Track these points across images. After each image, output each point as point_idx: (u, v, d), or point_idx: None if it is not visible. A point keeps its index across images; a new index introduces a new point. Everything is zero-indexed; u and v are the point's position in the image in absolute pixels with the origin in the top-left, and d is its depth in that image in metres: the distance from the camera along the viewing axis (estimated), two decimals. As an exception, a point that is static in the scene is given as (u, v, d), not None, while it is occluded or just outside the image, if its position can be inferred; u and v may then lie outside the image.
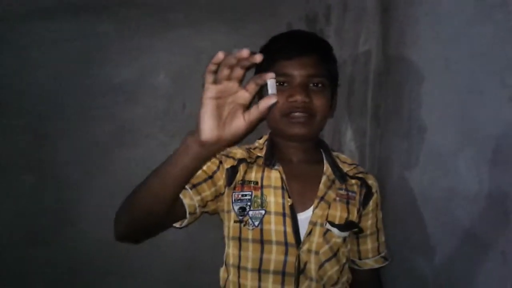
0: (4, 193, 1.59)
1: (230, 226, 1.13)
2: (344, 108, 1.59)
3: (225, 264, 1.16)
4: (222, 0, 1.61)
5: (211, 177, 1.12)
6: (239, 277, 1.11)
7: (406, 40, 1.35)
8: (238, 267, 1.11)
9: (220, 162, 1.16)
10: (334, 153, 1.25)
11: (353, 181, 1.19)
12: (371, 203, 1.20)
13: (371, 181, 1.22)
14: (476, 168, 1.07)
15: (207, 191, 1.11)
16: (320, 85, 1.11)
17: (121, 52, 1.62)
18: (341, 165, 1.21)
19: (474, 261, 1.09)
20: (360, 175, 1.21)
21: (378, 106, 1.51)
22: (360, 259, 1.21)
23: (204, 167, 1.12)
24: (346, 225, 1.14)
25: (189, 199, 1.06)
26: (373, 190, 1.21)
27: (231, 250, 1.13)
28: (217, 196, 1.14)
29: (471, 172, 1.08)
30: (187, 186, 1.06)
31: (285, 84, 1.10)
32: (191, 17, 1.64)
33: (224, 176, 1.14)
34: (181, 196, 1.04)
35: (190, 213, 1.07)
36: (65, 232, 1.65)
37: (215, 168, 1.14)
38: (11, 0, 1.47)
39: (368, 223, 1.20)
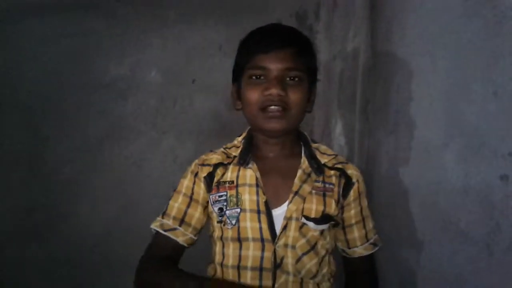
0: (-3, 190, 1.60)
1: (214, 226, 1.16)
2: (333, 103, 1.61)
3: (212, 262, 1.18)
4: (213, -3, 1.62)
5: (191, 197, 1.17)
6: (222, 274, 1.13)
7: (394, 36, 1.36)
8: (221, 265, 1.14)
9: (196, 175, 1.18)
10: (315, 145, 1.23)
11: (332, 172, 1.17)
12: (351, 193, 1.17)
13: (350, 170, 1.19)
14: (462, 162, 1.09)
15: (196, 214, 1.16)
16: (296, 79, 1.09)
17: (113, 49, 1.63)
18: (320, 157, 1.19)
19: (461, 254, 1.11)
20: (339, 166, 1.18)
21: (367, 101, 1.53)
22: (349, 248, 1.21)
23: (183, 188, 1.18)
24: (322, 218, 1.12)
25: (182, 236, 1.14)
26: (353, 179, 1.18)
27: (216, 248, 1.16)
28: (205, 207, 1.18)
29: (458, 165, 1.10)
30: (175, 225, 1.14)
31: (262, 78, 1.09)
32: (183, 14, 1.65)
33: (202, 185, 1.17)
34: (173, 237, 1.13)
35: (189, 244, 1.17)
36: (59, 227, 1.66)
37: (191, 184, 1.18)
38: (1, -2, 1.47)
39: (351, 212, 1.19)
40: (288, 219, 1.10)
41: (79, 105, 1.63)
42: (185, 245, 1.15)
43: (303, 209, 1.11)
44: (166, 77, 1.68)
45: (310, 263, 1.11)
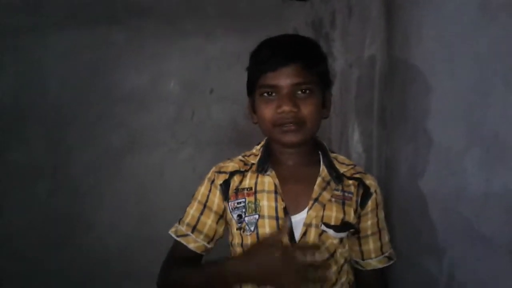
0: (20, 199, 1.63)
1: (233, 233, 1.16)
2: (351, 111, 1.61)
3: None
4: (231, 9, 1.64)
5: (205, 205, 1.18)
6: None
7: (411, 43, 1.36)
8: None
9: (212, 182, 1.18)
10: (333, 155, 1.22)
11: (350, 181, 1.16)
12: (369, 203, 1.16)
13: (369, 181, 1.18)
14: (483, 168, 1.08)
15: (208, 222, 1.17)
16: (308, 91, 1.08)
17: (132, 61, 1.66)
18: (338, 166, 1.18)
19: (482, 261, 1.10)
20: (357, 176, 1.18)
21: (384, 108, 1.53)
22: (363, 259, 1.19)
23: (199, 195, 1.19)
24: (342, 226, 1.12)
25: (193, 242, 1.16)
26: (371, 190, 1.17)
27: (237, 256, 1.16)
28: (221, 216, 1.19)
29: (478, 172, 1.09)
30: (187, 231, 1.17)
31: (273, 95, 1.09)
32: (201, 26, 1.68)
33: (218, 193, 1.17)
34: (184, 243, 1.16)
35: (202, 251, 1.17)
36: (80, 237, 1.68)
37: (207, 192, 1.19)
38: (24, 14, 1.51)
39: (368, 223, 1.16)
40: (307, 225, 1.10)
41: (100, 117, 1.66)
42: (198, 251, 1.16)
43: (323, 216, 1.10)
44: (184, 88, 1.71)
45: (329, 271, 1.11)
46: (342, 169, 1.18)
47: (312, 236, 1.09)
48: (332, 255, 1.12)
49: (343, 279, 1.15)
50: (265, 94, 1.09)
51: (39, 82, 1.62)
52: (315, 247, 1.02)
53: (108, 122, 1.67)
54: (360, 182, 1.17)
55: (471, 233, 1.12)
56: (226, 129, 1.75)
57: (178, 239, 1.18)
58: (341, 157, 1.24)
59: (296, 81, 1.06)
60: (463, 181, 1.14)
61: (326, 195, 1.13)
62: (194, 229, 1.17)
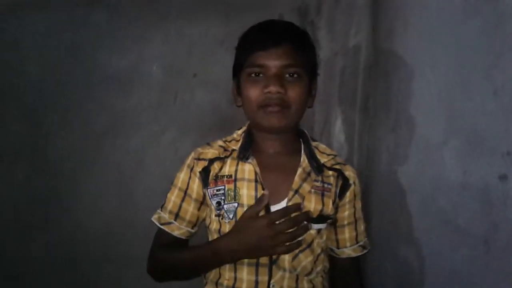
0: (0, 182, 1.60)
1: (212, 219, 1.16)
2: (334, 99, 1.61)
3: None
4: (214, -8, 1.62)
5: (185, 192, 1.19)
6: (219, 268, 1.14)
7: (395, 33, 1.37)
8: None
9: (192, 169, 1.19)
10: (314, 143, 1.22)
11: (330, 172, 1.17)
12: (348, 194, 1.18)
13: (348, 172, 1.19)
14: (461, 160, 1.10)
15: (190, 209, 1.18)
16: (296, 75, 1.08)
17: (114, 43, 1.63)
18: (319, 156, 1.18)
19: (459, 251, 1.12)
20: (337, 167, 1.19)
21: (367, 98, 1.54)
22: (338, 248, 1.21)
23: (179, 182, 1.20)
24: (320, 218, 1.13)
25: (177, 230, 1.18)
26: (350, 181, 1.18)
27: None
28: (201, 203, 1.19)
29: (457, 163, 1.11)
30: (171, 219, 1.18)
31: (261, 75, 1.08)
32: (184, 9, 1.65)
33: (197, 181, 1.17)
34: (168, 231, 1.18)
35: (187, 237, 1.20)
36: (60, 221, 1.67)
37: (187, 178, 1.19)
38: (2, -9, 1.47)
39: (345, 213, 1.19)
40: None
41: (80, 100, 1.64)
42: (183, 237, 1.18)
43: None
44: (167, 72, 1.69)
45: (305, 260, 1.12)
46: (323, 159, 1.18)
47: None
48: (309, 245, 1.13)
49: (319, 267, 1.16)
50: (253, 75, 1.09)
51: (17, 63, 1.59)
52: (294, 207, 1.06)
53: (88, 105, 1.64)
54: (340, 173, 1.18)
55: (448, 223, 1.14)
56: (209, 114, 1.74)
57: (162, 227, 1.19)
58: (322, 146, 1.24)
59: (285, 62, 1.06)
60: (441, 172, 1.15)
61: (306, 186, 1.13)
62: (177, 216, 1.18)
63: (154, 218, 1.21)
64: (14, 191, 1.62)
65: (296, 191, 1.11)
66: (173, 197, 1.20)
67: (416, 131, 1.26)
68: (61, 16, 1.58)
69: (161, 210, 1.21)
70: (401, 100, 1.33)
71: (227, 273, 1.12)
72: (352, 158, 1.57)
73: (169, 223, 1.18)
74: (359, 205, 1.22)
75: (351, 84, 1.57)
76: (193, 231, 1.20)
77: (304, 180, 1.14)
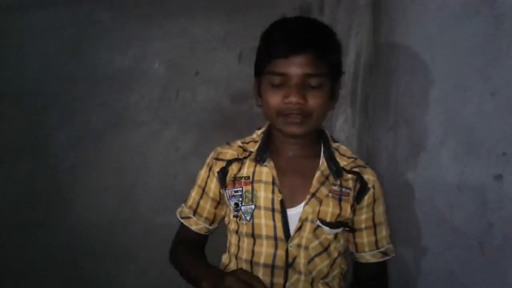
0: (1, 179, 1.62)
1: (230, 219, 1.18)
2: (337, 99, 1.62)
3: (228, 252, 1.21)
4: (217, -9, 1.63)
5: (203, 190, 1.21)
6: (237, 266, 1.15)
7: (396, 33, 1.37)
8: (236, 257, 1.17)
9: (210, 168, 1.20)
10: (335, 145, 1.19)
11: (349, 175, 1.14)
12: (366, 197, 1.14)
13: (367, 176, 1.15)
14: (458, 161, 1.10)
15: (206, 207, 1.21)
16: (317, 83, 1.03)
17: (116, 40, 1.64)
18: (339, 159, 1.15)
19: (454, 251, 1.12)
20: (356, 170, 1.15)
21: (367, 97, 1.54)
22: (357, 252, 1.18)
23: (199, 179, 1.23)
24: (337, 223, 1.12)
25: (195, 224, 1.23)
26: (369, 185, 1.14)
27: (232, 239, 1.19)
28: (218, 202, 1.22)
29: (454, 164, 1.12)
30: (189, 214, 1.23)
31: (282, 82, 1.04)
32: (187, 6, 1.66)
33: (215, 180, 1.19)
34: (187, 224, 1.23)
35: (205, 232, 1.24)
36: (62, 217, 1.68)
37: (205, 177, 1.22)
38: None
39: (362, 217, 1.15)
40: (303, 220, 1.09)
41: (82, 96, 1.65)
42: (201, 232, 1.23)
43: (319, 211, 1.10)
44: (169, 69, 1.69)
45: (321, 264, 1.12)
46: (343, 162, 1.16)
47: (307, 230, 1.10)
48: (326, 249, 1.12)
49: (335, 271, 1.15)
50: (273, 81, 1.05)
51: (19, 61, 1.60)
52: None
53: (90, 102, 1.65)
54: (358, 177, 1.15)
55: (444, 223, 1.15)
56: (210, 112, 1.74)
57: (181, 220, 1.25)
58: (343, 148, 1.21)
59: (307, 71, 1.01)
60: (439, 173, 1.16)
61: (324, 190, 1.11)
62: (195, 212, 1.23)
63: (177, 211, 1.27)
64: (15, 187, 1.64)
65: (313, 195, 1.10)
66: (194, 193, 1.24)
67: (414, 132, 1.27)
68: (63, 13, 1.59)
69: (184, 204, 1.26)
70: (400, 100, 1.34)
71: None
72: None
73: (188, 217, 1.23)
74: (379, 209, 1.17)
75: (351, 84, 1.58)
76: (211, 227, 1.24)
77: (322, 183, 1.12)
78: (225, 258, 1.22)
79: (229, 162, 1.18)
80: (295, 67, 1.01)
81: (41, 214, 1.66)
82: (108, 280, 1.77)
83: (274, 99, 1.05)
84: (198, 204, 1.22)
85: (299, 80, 1.02)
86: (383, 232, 1.18)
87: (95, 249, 1.72)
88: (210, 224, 1.23)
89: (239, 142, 1.22)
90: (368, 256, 1.17)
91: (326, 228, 1.11)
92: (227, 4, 1.67)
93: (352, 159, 1.18)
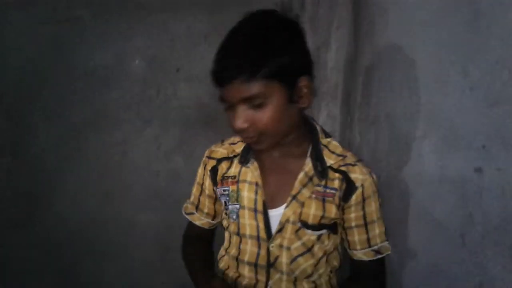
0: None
1: (223, 216, 1.23)
2: (317, 94, 1.63)
3: (223, 245, 1.26)
4: (197, -14, 1.61)
5: (202, 187, 1.26)
6: (228, 260, 1.21)
7: (376, 29, 1.38)
8: (226, 252, 1.22)
9: (205, 166, 1.23)
10: (326, 140, 1.14)
11: (336, 174, 1.11)
12: (353, 197, 1.11)
13: (355, 174, 1.11)
14: (439, 154, 1.12)
15: (206, 203, 1.27)
16: (259, 103, 0.97)
17: (97, 37, 1.62)
18: (327, 157, 1.11)
19: (436, 243, 1.14)
20: (343, 168, 1.11)
21: (349, 93, 1.55)
22: (350, 249, 1.18)
23: (197, 176, 1.27)
24: (320, 225, 1.11)
25: (198, 220, 1.29)
26: (357, 184, 1.11)
27: (226, 234, 1.24)
28: (215, 199, 1.26)
29: (434, 157, 1.13)
30: (192, 210, 1.29)
31: (229, 106, 1.01)
32: (167, 2, 1.64)
33: (208, 178, 1.22)
34: (191, 220, 1.30)
35: (210, 227, 1.30)
36: (41, 215, 1.66)
37: (202, 174, 1.25)
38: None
39: (351, 215, 1.13)
40: (284, 222, 1.10)
41: (62, 94, 1.63)
42: (205, 227, 1.29)
43: (301, 213, 1.10)
44: (150, 66, 1.68)
45: (305, 264, 1.12)
46: (330, 161, 1.12)
47: (288, 232, 1.10)
48: (310, 249, 1.12)
49: (321, 270, 1.16)
50: (223, 104, 1.03)
51: (0, 57, 1.56)
52: None
53: (70, 99, 1.63)
54: (345, 176, 1.11)
55: (426, 216, 1.16)
56: (192, 109, 1.74)
57: (186, 216, 1.31)
58: (334, 144, 1.16)
59: (243, 96, 0.96)
60: (420, 167, 1.17)
61: (306, 192, 1.10)
62: (197, 208, 1.28)
63: (183, 207, 1.32)
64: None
65: (294, 197, 1.10)
66: (194, 190, 1.29)
67: (395, 126, 1.28)
68: (43, 10, 1.57)
69: (188, 201, 1.31)
70: (381, 95, 1.35)
71: (232, 268, 1.18)
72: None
73: (191, 213, 1.29)
74: (371, 207, 1.15)
75: (333, 79, 1.59)
76: (214, 222, 1.30)
77: (304, 185, 1.10)
78: (221, 250, 1.27)
79: (219, 161, 1.19)
80: (231, 93, 0.97)
81: (23, 212, 1.64)
82: (91, 278, 1.75)
83: (231, 121, 1.02)
84: (199, 200, 1.27)
85: (239, 104, 0.98)
86: (376, 230, 1.16)
87: (77, 247, 1.70)
88: (212, 219, 1.28)
89: (232, 139, 1.23)
90: (360, 254, 1.16)
91: (308, 230, 1.11)
92: (208, 0, 1.66)
93: (341, 157, 1.13)
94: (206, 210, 1.27)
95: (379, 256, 1.16)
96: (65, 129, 1.64)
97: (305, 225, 1.10)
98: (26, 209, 1.65)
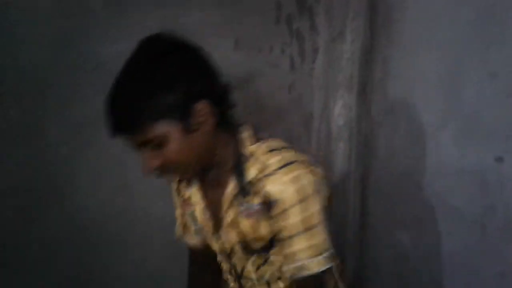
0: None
1: None
2: (333, 84, 1.61)
3: None
4: (212, -23, 1.61)
5: (177, 208, 1.23)
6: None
7: (393, 19, 1.36)
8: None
9: (173, 188, 1.21)
10: (252, 148, 1.01)
11: (258, 188, 0.99)
12: (273, 210, 0.97)
13: (269, 186, 0.97)
14: (458, 144, 1.10)
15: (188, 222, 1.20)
16: (153, 146, 0.92)
17: (109, 29, 1.61)
18: (250, 170, 1.00)
19: (455, 234, 1.13)
20: (261, 181, 0.98)
21: (365, 83, 1.54)
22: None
23: (174, 200, 1.23)
24: (257, 248, 1.05)
25: (190, 240, 1.23)
26: (272, 198, 0.97)
27: None
28: None
29: (454, 147, 1.11)
30: (181, 231, 1.23)
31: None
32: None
33: (179, 199, 1.20)
34: (184, 242, 1.24)
35: (205, 244, 1.19)
36: (55, 208, 1.66)
37: (174, 194, 1.22)
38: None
39: (277, 229, 0.99)
40: (229, 247, 1.08)
41: (75, 85, 1.62)
42: (200, 246, 1.21)
43: (238, 234, 1.04)
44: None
45: (270, 269, 1.07)
46: (251, 175, 1.00)
47: (239, 252, 1.07)
48: (266, 261, 1.07)
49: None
50: None
51: (10, 49, 1.57)
52: None
53: (84, 91, 1.63)
54: (262, 189, 0.99)
55: (444, 207, 1.15)
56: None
57: (180, 240, 1.24)
58: (262, 149, 1.00)
59: (136, 142, 0.92)
60: (439, 157, 1.16)
61: (231, 213, 1.03)
62: (184, 228, 1.21)
63: (175, 231, 1.25)
64: (10, 177, 1.62)
65: (225, 220, 1.05)
66: (176, 212, 1.23)
67: (413, 116, 1.26)
68: (55, 2, 1.57)
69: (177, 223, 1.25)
70: (398, 85, 1.33)
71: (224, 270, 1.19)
72: (351, 143, 1.57)
73: (181, 236, 1.24)
74: (290, 220, 0.96)
75: (348, 69, 1.57)
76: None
77: (230, 205, 1.03)
78: None
79: (179, 182, 1.17)
80: (125, 141, 0.94)
81: (36, 205, 1.64)
82: (104, 272, 1.76)
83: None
84: (182, 220, 1.21)
85: (139, 148, 0.93)
86: (298, 245, 0.97)
87: (90, 239, 1.71)
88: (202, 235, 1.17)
89: None
90: (285, 270, 1.01)
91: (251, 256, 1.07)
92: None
93: (260, 167, 0.99)
94: (193, 229, 1.16)
95: (304, 274, 0.97)
96: (78, 122, 1.64)
97: (245, 245, 1.04)
98: (41, 201, 1.66)
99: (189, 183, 1.11)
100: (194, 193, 1.11)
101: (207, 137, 0.96)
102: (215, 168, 1.04)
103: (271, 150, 0.99)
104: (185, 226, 1.20)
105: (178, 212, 1.22)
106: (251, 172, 0.99)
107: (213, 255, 1.17)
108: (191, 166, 0.97)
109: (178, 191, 1.18)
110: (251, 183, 0.99)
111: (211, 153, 1.00)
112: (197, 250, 1.23)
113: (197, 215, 1.11)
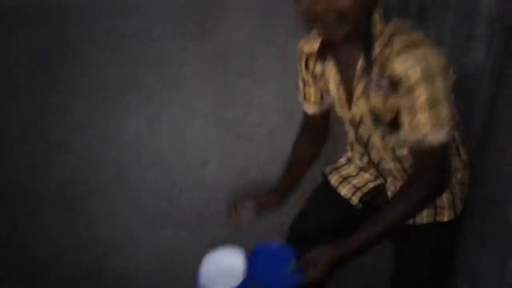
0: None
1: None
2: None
3: None
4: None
5: (304, 79, 1.29)
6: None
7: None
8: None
9: (300, 60, 1.26)
10: (381, 26, 1.02)
11: (385, 66, 1.01)
12: (398, 88, 0.99)
13: (396, 65, 0.98)
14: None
15: (312, 93, 1.30)
16: None
17: None
18: (377, 49, 1.01)
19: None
20: (387, 61, 1.00)
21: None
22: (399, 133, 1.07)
23: (299, 71, 1.30)
24: (386, 120, 1.07)
25: (308, 109, 1.35)
26: (399, 75, 0.98)
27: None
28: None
29: None
30: (301, 100, 1.34)
31: None
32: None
33: (304, 71, 1.26)
34: (304, 109, 1.36)
35: (322, 113, 1.34)
36: (84, 200, 1.70)
37: (300, 67, 1.27)
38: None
39: (401, 103, 1.01)
40: (359, 117, 1.13)
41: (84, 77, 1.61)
42: (317, 114, 1.34)
43: (369, 106, 1.08)
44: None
45: (395, 138, 1.10)
46: (378, 52, 1.01)
47: (368, 123, 1.12)
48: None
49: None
50: None
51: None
52: None
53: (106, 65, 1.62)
54: (389, 67, 0.99)
55: None
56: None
57: (301, 105, 1.36)
58: (391, 28, 1.02)
59: None
60: None
61: (360, 86, 1.08)
62: (304, 98, 1.33)
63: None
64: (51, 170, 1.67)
65: (354, 93, 1.10)
66: (300, 84, 1.32)
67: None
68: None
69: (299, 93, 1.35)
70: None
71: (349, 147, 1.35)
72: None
73: (302, 102, 1.35)
74: (418, 96, 0.97)
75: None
76: (323, 108, 1.32)
77: (359, 80, 1.07)
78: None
79: (308, 56, 1.21)
80: None
81: (73, 197, 1.70)
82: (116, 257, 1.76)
83: (296, 11, 1.01)
84: (304, 92, 1.31)
85: None
86: (422, 118, 0.99)
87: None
88: (320, 105, 1.31)
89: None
90: (407, 141, 1.04)
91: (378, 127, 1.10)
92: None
93: (387, 45, 1.00)
94: (312, 99, 1.31)
95: (424, 147, 1.00)
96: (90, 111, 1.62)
97: (375, 118, 1.09)
98: (78, 193, 1.63)
99: (323, 57, 1.15)
100: (329, 68, 1.15)
101: (373, 2, 0.98)
102: (347, 44, 1.04)
103: (399, 30, 1.01)
104: (305, 96, 1.32)
105: (301, 84, 1.31)
106: (378, 49, 1.01)
107: (325, 125, 1.39)
108: (350, 23, 0.95)
109: (307, 67, 1.24)
110: (378, 59, 1.02)
111: (363, 19, 1.00)
112: (312, 118, 1.35)
113: (331, 88, 1.17)
